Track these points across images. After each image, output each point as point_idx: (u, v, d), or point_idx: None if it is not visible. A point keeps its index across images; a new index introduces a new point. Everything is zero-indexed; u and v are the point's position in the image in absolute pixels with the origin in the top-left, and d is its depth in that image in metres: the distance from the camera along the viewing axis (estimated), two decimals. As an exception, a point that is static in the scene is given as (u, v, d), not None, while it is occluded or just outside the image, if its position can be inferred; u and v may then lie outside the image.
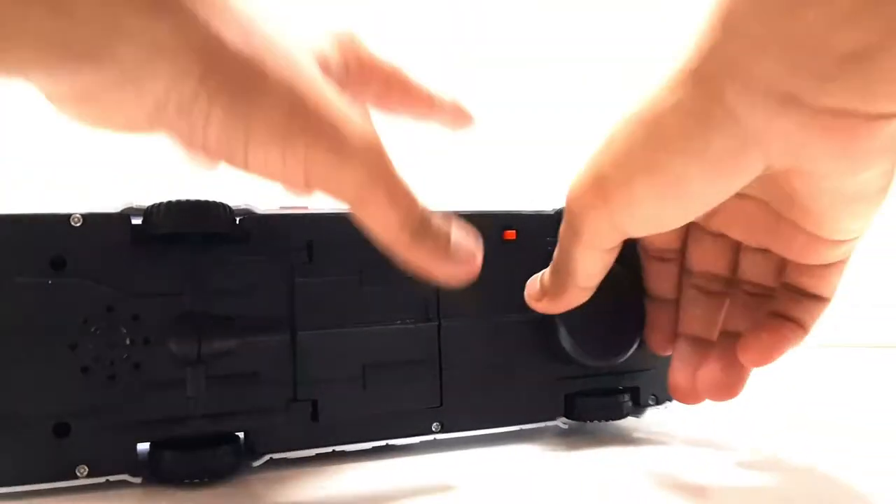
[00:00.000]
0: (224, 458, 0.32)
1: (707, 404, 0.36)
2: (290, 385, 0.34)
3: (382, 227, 0.30)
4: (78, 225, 0.30)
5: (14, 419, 0.29)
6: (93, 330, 0.31)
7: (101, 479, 0.31)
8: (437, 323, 0.36)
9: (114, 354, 0.31)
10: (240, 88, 0.27)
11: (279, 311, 0.34)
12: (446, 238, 0.31)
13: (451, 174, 0.42)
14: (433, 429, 0.37)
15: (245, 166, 0.28)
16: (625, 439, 0.40)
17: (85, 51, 0.26)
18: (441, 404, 0.37)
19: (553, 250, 0.39)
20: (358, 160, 0.28)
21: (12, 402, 0.29)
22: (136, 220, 0.32)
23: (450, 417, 0.37)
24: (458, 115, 0.40)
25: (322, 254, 0.34)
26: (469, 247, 0.31)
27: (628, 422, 0.41)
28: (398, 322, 0.36)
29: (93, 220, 0.31)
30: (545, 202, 0.40)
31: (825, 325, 0.35)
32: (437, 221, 0.31)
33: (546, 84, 0.72)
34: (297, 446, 0.34)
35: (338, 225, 0.35)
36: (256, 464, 0.34)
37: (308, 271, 0.34)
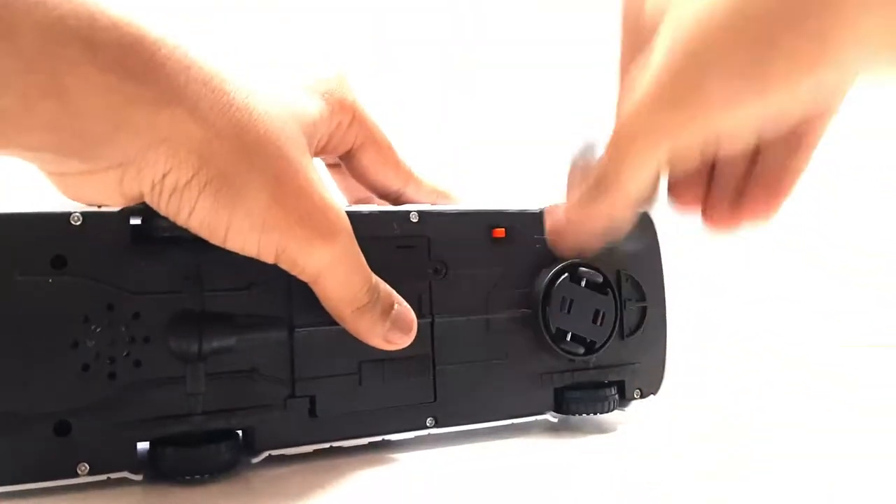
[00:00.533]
0: (223, 455, 0.33)
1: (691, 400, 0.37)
2: (288, 382, 0.34)
3: (331, 303, 0.34)
4: (78, 224, 0.31)
5: (15, 418, 0.29)
6: (93, 328, 0.31)
7: (102, 477, 0.31)
8: (430, 319, 0.37)
9: (114, 352, 0.31)
10: (228, 182, 0.30)
11: (277, 309, 0.34)
12: (387, 312, 0.35)
13: (442, 173, 0.42)
14: (427, 424, 0.37)
15: (222, 244, 0.31)
16: (611, 431, 0.41)
17: (89, 140, 0.28)
18: (435, 400, 0.37)
19: (542, 248, 0.40)
20: (324, 249, 0.32)
21: (13, 401, 0.30)
22: (136, 220, 0.32)
23: (443, 412, 0.38)
24: (438, 199, 0.42)
25: None
26: (407, 319, 0.35)
27: (614, 414, 0.42)
28: None
29: (92, 219, 0.31)
30: (533, 201, 0.41)
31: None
32: (384, 295, 0.34)
33: (541, 87, 0.73)
34: (295, 442, 0.35)
35: None
36: (255, 460, 0.34)
37: None
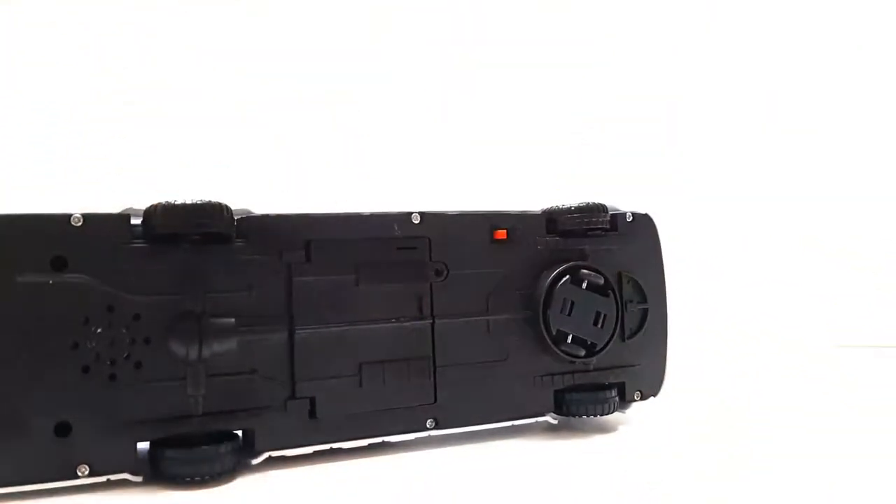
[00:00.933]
0: (224, 456, 0.33)
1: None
2: (288, 383, 0.34)
3: None
4: (79, 225, 0.31)
5: (15, 419, 0.29)
6: (94, 329, 0.31)
7: (102, 479, 0.31)
8: (430, 321, 0.37)
9: (115, 354, 0.31)
10: None
11: (277, 310, 0.34)
12: None
13: (444, 175, 0.42)
14: (427, 425, 0.37)
15: None
16: (611, 432, 0.41)
17: None
18: (435, 401, 0.37)
19: (543, 250, 0.40)
20: None
21: (13, 402, 0.29)
22: (136, 221, 0.32)
23: (443, 414, 0.38)
24: None
25: (319, 253, 0.35)
26: None
27: (614, 415, 0.42)
28: (393, 320, 0.36)
29: (93, 221, 0.31)
30: (534, 202, 0.41)
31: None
32: None
33: (541, 87, 0.73)
34: (295, 444, 0.35)
35: (334, 225, 0.35)
36: (255, 462, 0.34)
37: (306, 271, 0.35)
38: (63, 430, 0.30)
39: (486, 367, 0.39)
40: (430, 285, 0.37)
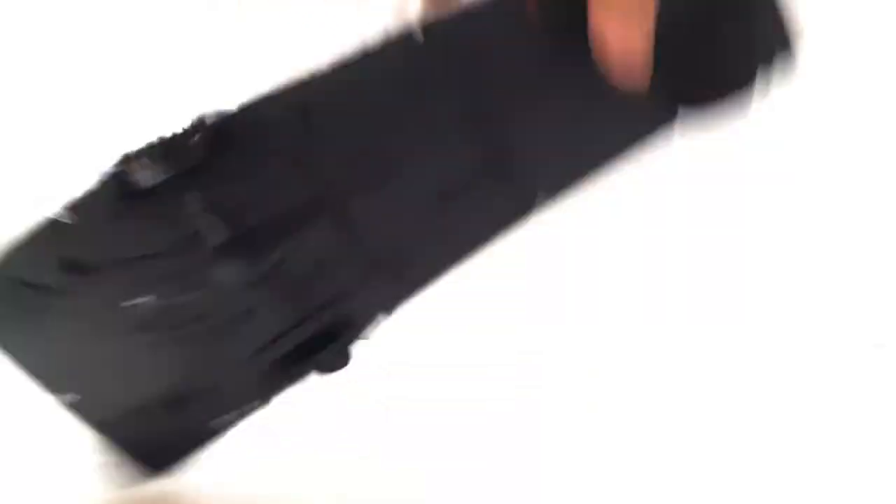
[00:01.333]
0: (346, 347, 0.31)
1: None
2: (359, 257, 0.31)
3: None
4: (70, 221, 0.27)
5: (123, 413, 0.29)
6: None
7: None
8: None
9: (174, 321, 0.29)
10: None
11: (314, 191, 0.30)
12: None
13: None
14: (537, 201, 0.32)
15: None
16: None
17: None
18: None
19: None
20: None
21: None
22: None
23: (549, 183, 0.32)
24: None
25: (320, 119, 0.30)
26: None
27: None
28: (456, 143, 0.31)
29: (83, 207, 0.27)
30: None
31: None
32: None
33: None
34: (389, 308, 0.32)
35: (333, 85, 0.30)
36: (355, 350, 0.32)
37: (314, 143, 0.30)
38: (175, 407, 0.30)
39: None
40: None
